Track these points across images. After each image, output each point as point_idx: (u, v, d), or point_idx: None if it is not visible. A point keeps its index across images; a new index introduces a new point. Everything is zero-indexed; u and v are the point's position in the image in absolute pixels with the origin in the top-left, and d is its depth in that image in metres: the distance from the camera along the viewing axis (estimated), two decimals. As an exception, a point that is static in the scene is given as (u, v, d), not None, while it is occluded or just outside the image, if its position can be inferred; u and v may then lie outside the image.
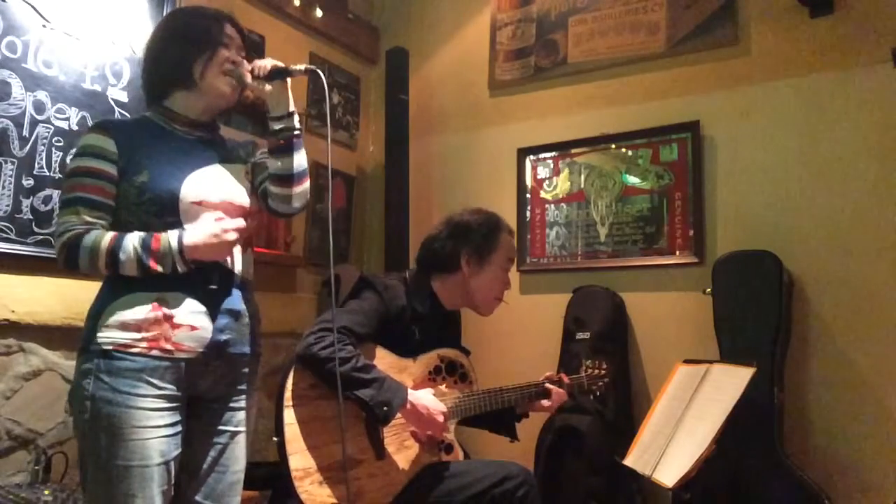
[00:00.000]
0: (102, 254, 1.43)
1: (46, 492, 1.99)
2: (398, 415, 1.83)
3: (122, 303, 1.45)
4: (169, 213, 1.49)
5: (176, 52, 1.57)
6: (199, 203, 1.52)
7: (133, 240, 1.44)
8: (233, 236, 1.50)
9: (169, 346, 1.44)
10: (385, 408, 1.76)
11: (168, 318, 1.45)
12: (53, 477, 2.16)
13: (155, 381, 1.43)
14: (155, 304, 1.45)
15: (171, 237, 1.45)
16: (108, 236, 1.44)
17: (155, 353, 1.43)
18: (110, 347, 1.42)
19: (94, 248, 1.43)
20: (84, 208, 1.46)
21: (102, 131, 1.52)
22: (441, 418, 1.86)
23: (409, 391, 1.84)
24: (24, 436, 2.19)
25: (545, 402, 2.15)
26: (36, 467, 2.15)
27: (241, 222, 1.52)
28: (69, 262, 1.45)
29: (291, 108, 1.58)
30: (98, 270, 1.45)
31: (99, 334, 1.43)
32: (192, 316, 1.48)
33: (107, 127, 1.55)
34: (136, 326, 1.43)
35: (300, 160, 1.59)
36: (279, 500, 1.99)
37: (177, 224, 1.50)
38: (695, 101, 2.88)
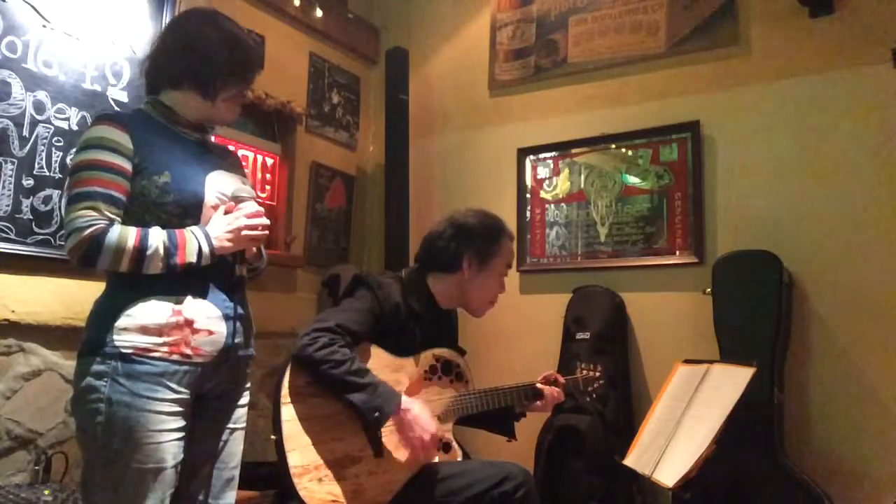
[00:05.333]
0: (129, 251, 1.39)
1: (46, 492, 1.99)
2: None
3: (142, 306, 1.43)
4: (191, 215, 1.49)
5: (216, 65, 1.54)
6: (214, 207, 1.54)
7: (159, 235, 1.43)
8: (247, 221, 1.51)
9: (188, 351, 1.45)
10: (376, 413, 1.76)
11: (189, 324, 1.45)
12: (53, 477, 2.16)
13: (173, 386, 1.43)
14: (175, 308, 1.45)
15: (194, 230, 1.47)
16: (133, 232, 1.41)
17: (175, 357, 1.43)
18: (130, 351, 1.40)
19: (119, 246, 1.38)
20: (104, 203, 1.41)
21: (117, 124, 1.48)
22: (427, 437, 1.83)
23: (403, 399, 1.83)
24: (24, 436, 2.19)
25: (539, 403, 2.15)
26: (36, 467, 2.15)
27: (257, 216, 1.55)
28: (87, 258, 1.39)
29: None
30: (118, 268, 1.41)
31: (116, 337, 1.41)
32: (210, 321, 1.49)
33: (121, 120, 1.50)
34: (157, 331, 1.42)
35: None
36: (282, 501, 1.99)
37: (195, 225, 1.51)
38: (695, 101, 2.88)
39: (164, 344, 1.43)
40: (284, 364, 1.85)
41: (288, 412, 1.77)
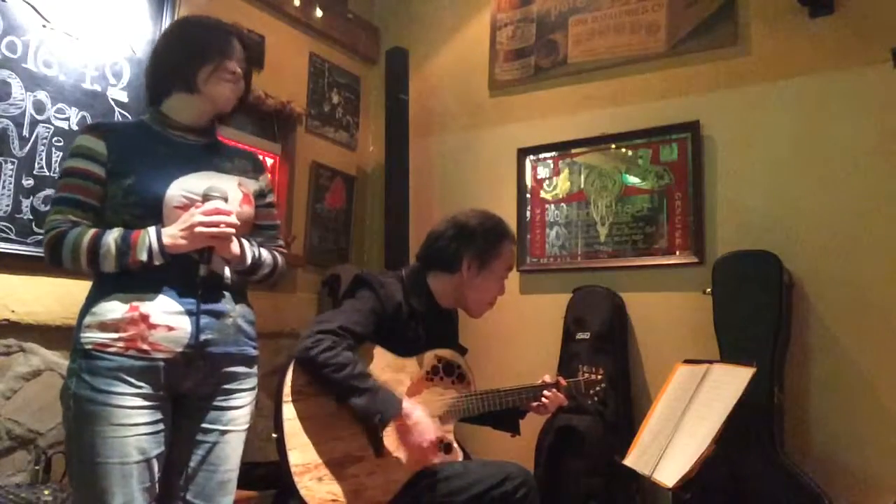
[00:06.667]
0: (83, 250, 1.46)
1: (46, 492, 1.99)
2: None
3: (103, 304, 1.48)
4: (152, 216, 1.51)
5: (182, 57, 1.59)
6: (182, 207, 1.53)
7: (113, 234, 1.48)
8: (201, 218, 1.48)
9: (145, 347, 1.46)
10: (378, 417, 1.77)
11: (144, 319, 1.47)
12: (53, 477, 2.16)
13: (132, 380, 1.45)
14: (132, 304, 1.47)
15: (149, 229, 1.49)
16: (90, 233, 1.48)
17: (132, 353, 1.45)
18: (90, 347, 1.45)
19: (75, 245, 1.47)
20: (68, 207, 1.51)
21: (94, 132, 1.56)
22: (426, 443, 1.83)
23: (404, 404, 1.82)
24: (24, 436, 2.19)
25: (541, 405, 2.13)
26: (36, 467, 2.15)
27: (215, 217, 1.50)
28: (53, 258, 1.50)
29: (242, 258, 1.62)
30: (80, 267, 1.48)
31: (82, 335, 1.47)
32: (169, 317, 1.49)
33: (98, 128, 1.59)
34: (114, 327, 1.46)
35: (262, 272, 1.69)
36: (282, 500, 1.99)
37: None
38: (695, 101, 2.88)
39: (119, 339, 1.45)
40: (286, 363, 1.85)
41: (289, 411, 1.77)
